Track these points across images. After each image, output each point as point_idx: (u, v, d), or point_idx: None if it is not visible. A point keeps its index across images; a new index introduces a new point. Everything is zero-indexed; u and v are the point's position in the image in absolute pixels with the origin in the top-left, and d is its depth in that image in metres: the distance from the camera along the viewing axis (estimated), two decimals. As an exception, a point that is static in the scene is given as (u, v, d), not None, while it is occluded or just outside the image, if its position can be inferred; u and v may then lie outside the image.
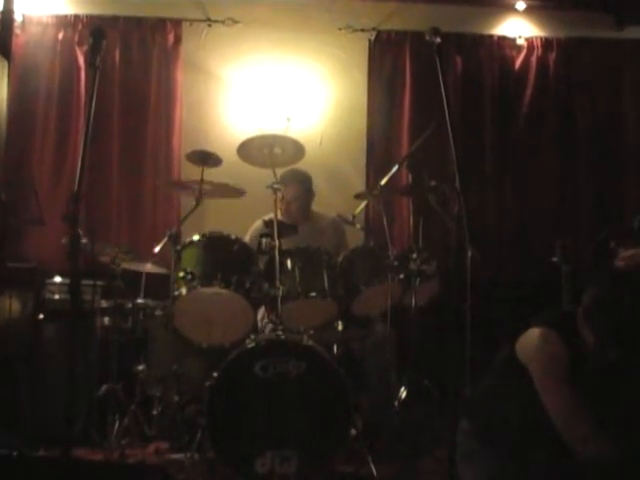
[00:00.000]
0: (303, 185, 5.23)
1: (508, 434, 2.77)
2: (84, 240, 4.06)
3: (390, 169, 5.00)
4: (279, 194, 4.66)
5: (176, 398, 4.49)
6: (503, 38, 6.48)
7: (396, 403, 4.55)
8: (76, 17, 6.10)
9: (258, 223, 5.14)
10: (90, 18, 6.09)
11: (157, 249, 4.61)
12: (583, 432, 2.62)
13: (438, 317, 4.50)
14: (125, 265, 4.82)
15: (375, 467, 4.00)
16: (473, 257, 2.51)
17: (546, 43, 6.47)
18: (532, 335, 2.75)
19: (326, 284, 4.45)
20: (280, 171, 4.86)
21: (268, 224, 4.46)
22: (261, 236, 4.51)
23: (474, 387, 2.97)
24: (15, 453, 4.04)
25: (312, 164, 5.37)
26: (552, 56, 6.45)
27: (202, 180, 4.53)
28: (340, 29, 6.32)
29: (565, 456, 2.61)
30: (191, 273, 4.37)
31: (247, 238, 4.98)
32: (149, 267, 4.88)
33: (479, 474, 2.71)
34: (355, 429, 4.07)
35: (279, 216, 4.59)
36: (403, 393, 4.61)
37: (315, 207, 5.45)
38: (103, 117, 5.86)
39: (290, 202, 5.19)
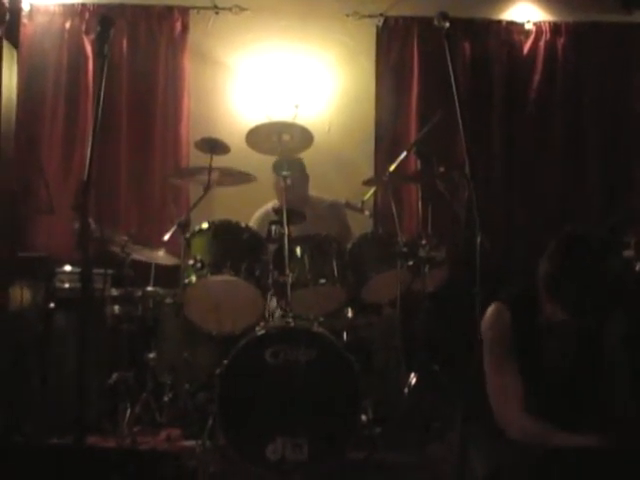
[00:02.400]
0: (294, 172, 5.12)
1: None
2: (94, 227, 4.06)
3: (398, 155, 4.99)
4: (280, 182, 4.65)
5: (187, 386, 4.52)
6: (511, 23, 6.44)
7: (406, 389, 4.55)
8: (83, 6, 6.10)
9: (263, 210, 5.15)
10: (97, 7, 6.09)
11: (166, 237, 4.61)
12: (507, 414, 2.66)
13: (447, 303, 4.50)
14: (135, 255, 4.83)
15: (385, 453, 4.01)
16: (482, 243, 2.51)
17: (555, 28, 6.43)
18: (486, 312, 2.78)
19: (335, 271, 4.46)
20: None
21: (277, 211, 4.46)
22: (270, 223, 4.52)
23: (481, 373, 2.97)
24: (27, 441, 4.08)
25: (320, 151, 5.37)
26: (561, 41, 6.42)
27: (211, 167, 4.53)
28: (347, 15, 6.30)
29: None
30: (201, 261, 4.36)
31: (252, 223, 4.96)
32: (159, 256, 4.89)
33: (484, 461, 2.71)
34: (365, 415, 4.09)
35: (278, 203, 4.58)
36: (413, 379, 4.61)
37: (316, 192, 5.43)
38: (111, 106, 5.86)
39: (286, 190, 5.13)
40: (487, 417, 2.80)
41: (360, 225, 5.39)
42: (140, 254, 4.88)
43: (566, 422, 2.61)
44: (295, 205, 4.92)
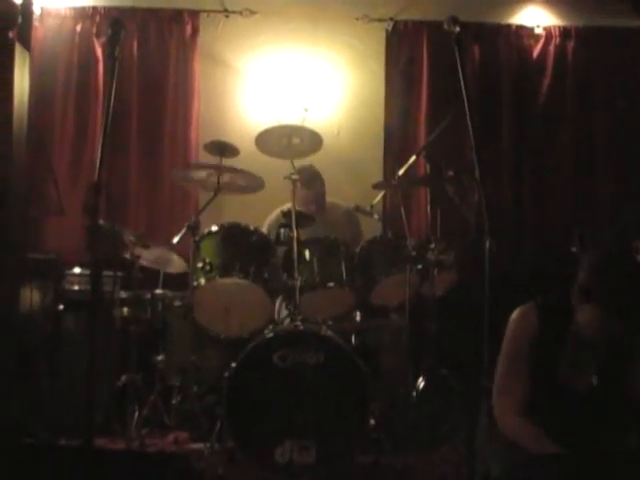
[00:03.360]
0: (303, 183, 5.13)
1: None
2: (104, 229, 4.07)
3: (408, 159, 4.99)
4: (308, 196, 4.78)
5: (195, 388, 4.52)
6: (521, 27, 6.44)
7: (414, 393, 4.55)
8: (94, 9, 6.13)
9: (275, 213, 5.15)
10: (108, 10, 6.11)
11: (176, 240, 4.62)
12: (503, 413, 2.68)
13: (456, 307, 4.50)
14: (144, 259, 4.83)
15: (393, 457, 4.01)
16: (491, 247, 2.51)
17: (564, 32, 6.43)
18: (515, 311, 2.80)
19: (344, 274, 4.47)
20: (298, 162, 4.85)
21: (286, 214, 4.47)
22: (279, 227, 4.53)
23: (491, 377, 2.97)
24: (36, 443, 4.10)
25: (329, 154, 5.37)
26: (570, 45, 6.42)
27: (220, 169, 4.53)
28: (357, 19, 6.30)
29: (571, 442, 2.59)
30: (210, 264, 4.38)
31: (264, 228, 4.99)
32: (167, 260, 4.89)
33: (500, 462, 2.71)
34: (373, 419, 4.09)
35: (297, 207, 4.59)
36: (421, 383, 4.61)
37: (331, 198, 5.45)
38: (121, 109, 5.88)
39: (306, 204, 5.19)
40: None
41: (369, 229, 5.40)
42: (149, 261, 4.87)
43: (584, 434, 2.61)
44: (313, 211, 4.97)
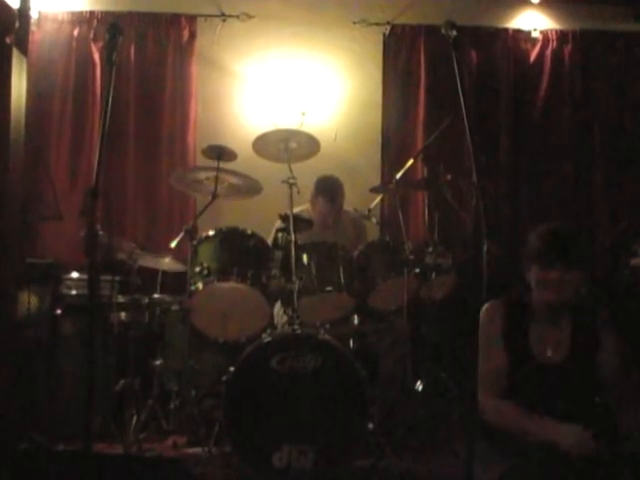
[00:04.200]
0: (328, 196, 5.18)
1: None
2: (101, 234, 4.07)
3: (405, 163, 5.00)
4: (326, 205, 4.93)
5: (193, 392, 4.51)
6: (518, 31, 6.46)
7: (412, 397, 4.55)
8: (91, 13, 6.14)
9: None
10: (105, 14, 6.12)
11: (173, 244, 4.61)
12: (485, 397, 2.73)
13: (454, 310, 4.50)
14: (142, 262, 4.84)
15: (392, 461, 4.00)
16: (489, 251, 2.51)
17: (561, 36, 6.45)
18: (482, 309, 2.95)
19: (342, 278, 4.46)
20: (296, 166, 4.85)
21: (284, 219, 4.47)
22: (277, 231, 4.53)
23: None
24: (34, 448, 4.09)
25: (327, 159, 5.37)
26: (567, 49, 6.43)
27: (218, 174, 4.53)
28: (354, 23, 6.32)
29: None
30: (207, 268, 4.38)
31: (271, 236, 4.97)
32: (166, 263, 4.90)
33: (492, 475, 2.71)
34: (372, 423, 4.08)
35: (307, 209, 4.61)
36: (420, 386, 4.61)
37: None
38: (119, 113, 5.89)
39: (319, 212, 5.19)
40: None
41: (367, 232, 5.39)
42: (147, 261, 4.89)
43: (557, 411, 2.71)
44: (332, 221, 5.00)
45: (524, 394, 2.78)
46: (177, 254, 4.78)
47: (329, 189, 5.16)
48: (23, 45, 4.88)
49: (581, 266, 2.83)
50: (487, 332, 2.87)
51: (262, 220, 5.29)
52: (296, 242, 4.32)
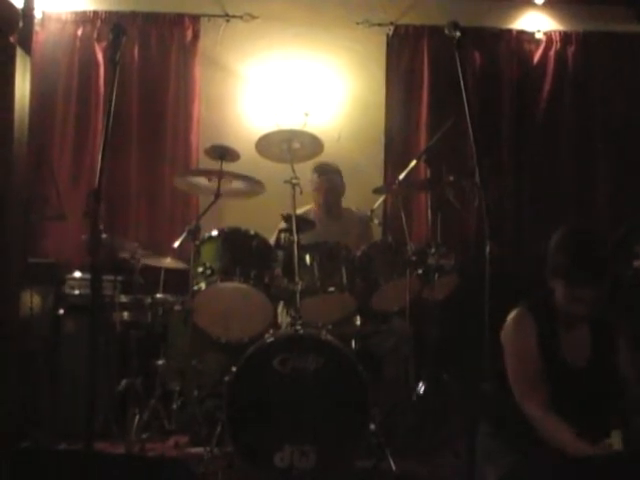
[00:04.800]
0: (327, 177, 5.28)
1: (522, 431, 2.78)
2: (104, 236, 4.07)
3: (408, 164, 4.99)
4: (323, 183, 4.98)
5: (195, 392, 4.52)
6: (522, 32, 6.46)
7: (414, 398, 4.55)
8: (95, 13, 6.14)
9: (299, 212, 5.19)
10: (109, 14, 6.13)
11: (176, 244, 4.61)
12: (530, 408, 2.76)
13: (456, 311, 4.50)
14: (145, 261, 4.84)
15: (393, 462, 4.00)
16: (492, 251, 2.51)
17: (565, 37, 6.44)
18: (509, 317, 2.94)
19: (344, 279, 4.46)
20: (299, 166, 4.86)
21: (287, 219, 4.46)
22: (280, 231, 4.53)
23: (491, 383, 3.00)
24: (36, 447, 4.08)
25: (330, 159, 5.37)
26: (571, 50, 6.43)
27: (221, 173, 4.53)
28: (358, 24, 6.31)
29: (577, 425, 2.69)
30: (210, 268, 4.38)
31: (274, 236, 4.98)
32: (168, 262, 4.90)
33: (499, 473, 2.72)
34: (373, 424, 4.08)
35: (314, 207, 4.63)
36: (421, 388, 4.60)
37: (346, 204, 5.46)
38: (122, 113, 5.90)
39: (316, 193, 5.26)
40: (506, 429, 2.84)
41: (372, 231, 5.40)
42: (149, 261, 4.89)
43: (580, 420, 2.71)
44: (331, 217, 4.98)
45: (558, 399, 2.79)
46: (180, 254, 4.78)
47: (321, 165, 5.28)
48: (27, 45, 4.89)
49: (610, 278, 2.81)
50: (520, 341, 2.87)
51: (265, 220, 5.27)
52: (299, 242, 4.32)
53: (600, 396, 2.82)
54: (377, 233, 5.50)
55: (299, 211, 5.09)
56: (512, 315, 2.94)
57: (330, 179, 5.35)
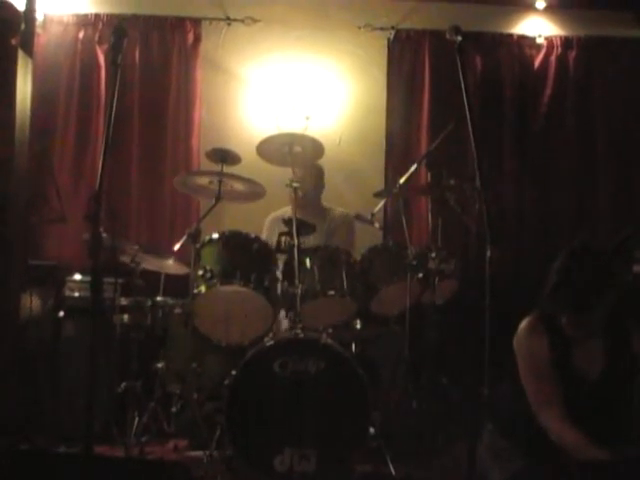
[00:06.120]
0: (307, 170, 5.20)
1: (530, 433, 2.78)
2: (105, 237, 4.07)
3: (409, 168, 4.99)
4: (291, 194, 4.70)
5: (195, 396, 4.51)
6: (523, 37, 6.46)
7: (414, 402, 4.54)
8: (96, 16, 6.14)
9: (270, 217, 5.19)
10: (110, 17, 6.12)
11: (177, 247, 4.61)
12: (549, 420, 2.72)
13: (456, 316, 4.50)
14: (145, 264, 4.84)
15: (393, 466, 4.00)
16: (492, 256, 2.51)
17: (566, 42, 6.44)
18: (521, 326, 2.90)
19: (345, 283, 4.46)
20: (299, 170, 4.87)
21: (287, 223, 4.47)
22: (280, 235, 4.53)
23: (494, 387, 2.99)
24: (36, 449, 4.08)
25: (331, 163, 5.38)
26: (572, 55, 6.43)
27: (221, 176, 4.53)
28: (359, 28, 6.32)
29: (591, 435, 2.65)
30: (210, 271, 4.38)
31: (265, 226, 4.98)
32: (169, 265, 4.90)
33: (506, 472, 2.72)
34: (373, 427, 4.08)
35: (292, 210, 4.59)
36: (421, 392, 4.60)
37: (328, 203, 5.45)
38: (123, 116, 5.89)
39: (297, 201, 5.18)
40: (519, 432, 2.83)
41: (370, 237, 5.39)
42: (150, 263, 4.89)
43: (596, 432, 2.67)
44: (310, 215, 4.92)
45: (572, 409, 2.76)
46: (180, 257, 4.78)
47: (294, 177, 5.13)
48: (29, 47, 4.90)
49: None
50: (532, 351, 2.84)
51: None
52: (299, 246, 4.33)
53: (615, 406, 2.79)
54: (378, 237, 5.50)
55: (276, 214, 5.10)
56: (524, 324, 2.90)
57: (312, 174, 5.28)
